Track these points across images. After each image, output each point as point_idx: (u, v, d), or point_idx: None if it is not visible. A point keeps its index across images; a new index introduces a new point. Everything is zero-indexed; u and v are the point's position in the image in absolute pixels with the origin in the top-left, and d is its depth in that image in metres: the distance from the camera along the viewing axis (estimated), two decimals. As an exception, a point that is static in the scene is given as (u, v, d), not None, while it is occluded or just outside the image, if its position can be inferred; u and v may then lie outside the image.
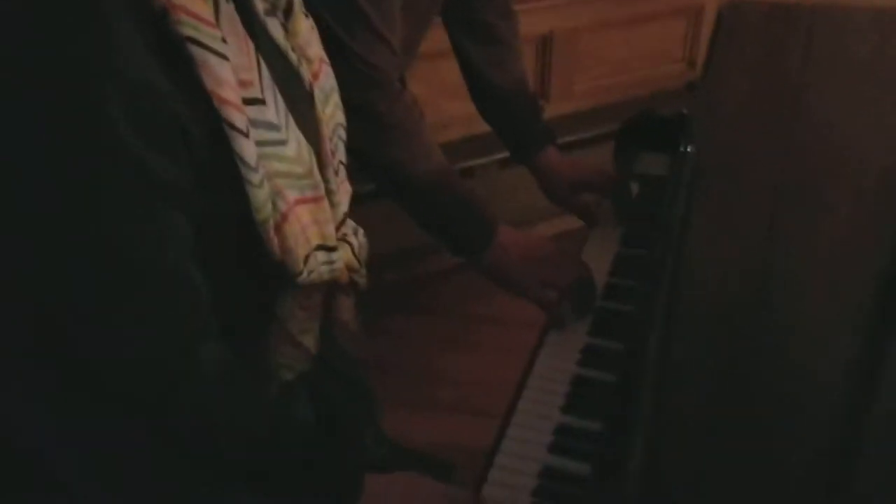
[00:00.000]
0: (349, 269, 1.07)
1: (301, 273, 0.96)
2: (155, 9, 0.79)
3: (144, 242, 0.81)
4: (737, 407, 0.90)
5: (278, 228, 0.91)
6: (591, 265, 1.40)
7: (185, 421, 0.89)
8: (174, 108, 0.80)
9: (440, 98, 2.36)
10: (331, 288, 1.08)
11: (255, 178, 0.86)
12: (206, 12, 0.82)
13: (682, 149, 1.31)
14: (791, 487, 0.81)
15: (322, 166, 1.00)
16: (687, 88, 2.96)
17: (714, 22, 1.75)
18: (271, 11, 0.96)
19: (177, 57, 0.80)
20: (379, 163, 1.29)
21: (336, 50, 1.15)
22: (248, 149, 0.85)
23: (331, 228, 0.99)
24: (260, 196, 0.88)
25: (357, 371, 1.42)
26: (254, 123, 0.87)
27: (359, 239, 1.09)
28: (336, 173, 1.04)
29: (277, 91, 0.91)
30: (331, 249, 1.00)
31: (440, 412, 2.24)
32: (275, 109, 0.90)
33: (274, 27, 0.96)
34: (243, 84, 0.86)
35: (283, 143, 0.91)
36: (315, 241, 0.97)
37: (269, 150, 0.89)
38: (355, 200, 1.11)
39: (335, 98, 1.05)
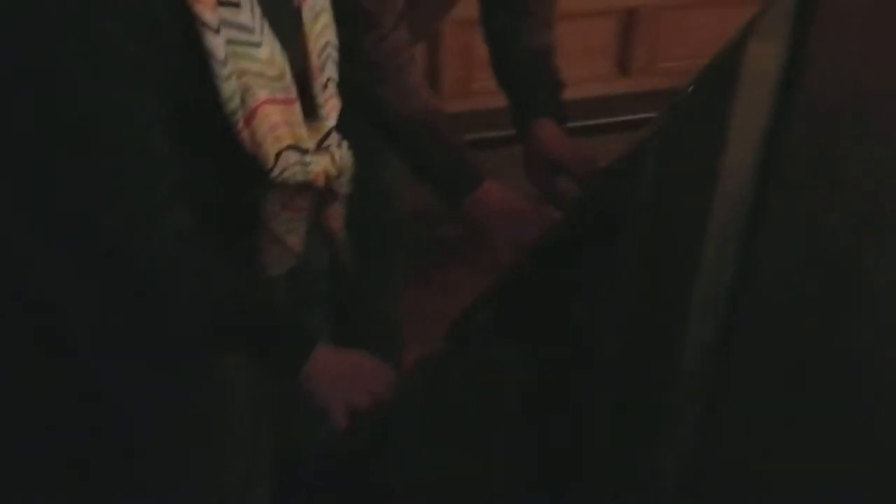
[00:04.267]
0: (328, 176, 1.15)
1: (273, 169, 1.05)
2: None
3: (109, 108, 0.93)
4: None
5: (248, 122, 1.01)
6: None
7: (152, 276, 1.02)
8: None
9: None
10: (324, 196, 1.17)
11: (222, 71, 0.97)
12: None
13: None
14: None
15: (309, 80, 1.10)
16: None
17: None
18: None
19: None
20: (365, 100, 1.33)
21: None
22: (215, 43, 0.96)
23: (303, 131, 1.08)
24: (227, 89, 0.98)
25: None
26: (226, 23, 0.97)
27: (342, 151, 1.17)
28: (324, 88, 1.13)
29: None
30: (304, 151, 1.09)
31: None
32: (250, 13, 0.99)
33: None
34: None
35: (256, 45, 1.00)
36: (286, 141, 1.06)
37: (240, 49, 0.99)
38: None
39: (325, 18, 1.12)
